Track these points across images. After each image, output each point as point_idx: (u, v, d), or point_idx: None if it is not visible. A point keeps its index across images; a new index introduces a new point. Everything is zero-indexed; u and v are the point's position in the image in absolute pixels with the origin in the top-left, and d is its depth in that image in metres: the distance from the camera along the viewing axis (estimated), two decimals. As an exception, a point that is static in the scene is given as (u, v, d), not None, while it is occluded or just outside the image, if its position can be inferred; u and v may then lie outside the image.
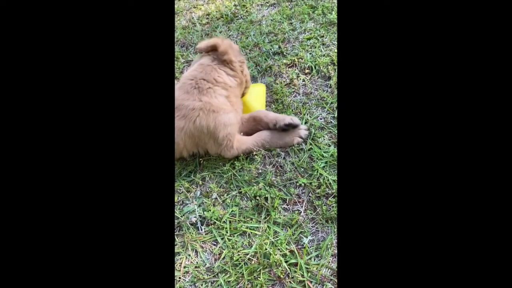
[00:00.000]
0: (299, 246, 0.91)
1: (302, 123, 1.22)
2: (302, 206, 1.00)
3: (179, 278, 0.91)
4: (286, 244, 0.91)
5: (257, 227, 0.97)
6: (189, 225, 1.02)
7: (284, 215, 0.99)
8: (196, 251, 0.96)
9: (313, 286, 0.83)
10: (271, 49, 1.62)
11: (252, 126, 1.21)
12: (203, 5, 2.24)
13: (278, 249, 0.90)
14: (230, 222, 1.00)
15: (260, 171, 1.12)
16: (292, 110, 1.28)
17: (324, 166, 1.07)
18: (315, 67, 1.44)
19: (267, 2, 2.03)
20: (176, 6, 2.31)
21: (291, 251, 0.90)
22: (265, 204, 1.01)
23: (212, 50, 1.23)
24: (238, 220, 1.00)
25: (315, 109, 1.28)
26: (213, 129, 1.09)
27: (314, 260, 0.88)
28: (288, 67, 1.51)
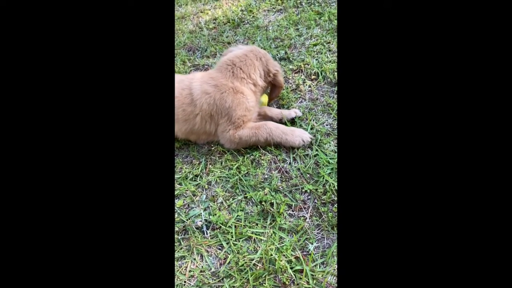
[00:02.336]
0: (305, 253, 0.91)
1: (307, 130, 1.23)
2: (307, 212, 1.00)
3: (184, 282, 0.91)
4: (292, 250, 0.91)
5: (263, 232, 0.98)
6: (195, 229, 1.03)
7: (289, 221, 0.99)
8: (202, 255, 0.96)
9: (318, 293, 0.83)
10: (277, 55, 1.63)
11: (257, 120, 1.29)
12: (210, 10, 2.27)
13: (284, 255, 0.90)
14: (235, 226, 1.00)
15: (266, 176, 1.12)
16: (298, 116, 1.29)
17: (330, 173, 1.07)
18: (321, 73, 1.45)
19: (273, 8, 2.05)
20: (183, 11, 2.33)
21: (297, 258, 0.90)
22: (271, 210, 1.01)
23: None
24: (244, 225, 1.00)
25: (321, 115, 1.28)
26: (235, 106, 1.17)
27: (320, 267, 0.88)
28: (294, 73, 1.52)
